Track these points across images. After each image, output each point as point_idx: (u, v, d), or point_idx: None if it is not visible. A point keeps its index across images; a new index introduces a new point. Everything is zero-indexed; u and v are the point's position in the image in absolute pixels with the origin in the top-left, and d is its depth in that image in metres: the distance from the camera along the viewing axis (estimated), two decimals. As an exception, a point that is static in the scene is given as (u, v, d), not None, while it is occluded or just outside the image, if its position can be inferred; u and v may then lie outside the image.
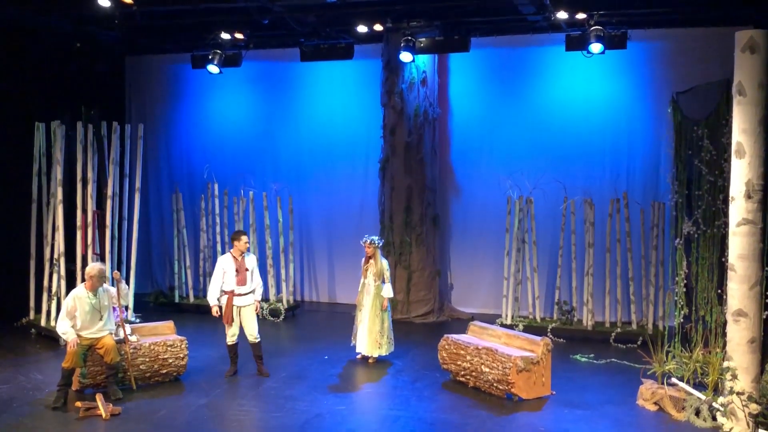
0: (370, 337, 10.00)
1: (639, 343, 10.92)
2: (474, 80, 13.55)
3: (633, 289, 11.79)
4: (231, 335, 9.39)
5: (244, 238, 9.38)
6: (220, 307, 9.38)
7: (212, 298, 9.37)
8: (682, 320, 9.09)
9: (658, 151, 12.24)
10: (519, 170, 12.37)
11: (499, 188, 12.57)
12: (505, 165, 12.86)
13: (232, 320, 9.31)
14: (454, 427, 7.72)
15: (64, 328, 8.29)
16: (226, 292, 9.34)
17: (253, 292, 9.43)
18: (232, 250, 9.42)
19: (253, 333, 9.40)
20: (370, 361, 10.07)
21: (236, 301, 9.31)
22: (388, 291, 10.08)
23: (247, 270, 9.33)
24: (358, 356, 10.21)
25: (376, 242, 10.07)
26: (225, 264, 9.37)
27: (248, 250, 9.50)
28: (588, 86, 12.80)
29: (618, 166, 12.70)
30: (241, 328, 9.43)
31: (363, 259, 10.23)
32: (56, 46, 13.17)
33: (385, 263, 10.13)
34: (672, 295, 9.52)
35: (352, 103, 14.10)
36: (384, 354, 10.08)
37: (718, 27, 11.54)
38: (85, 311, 8.37)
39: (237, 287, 9.30)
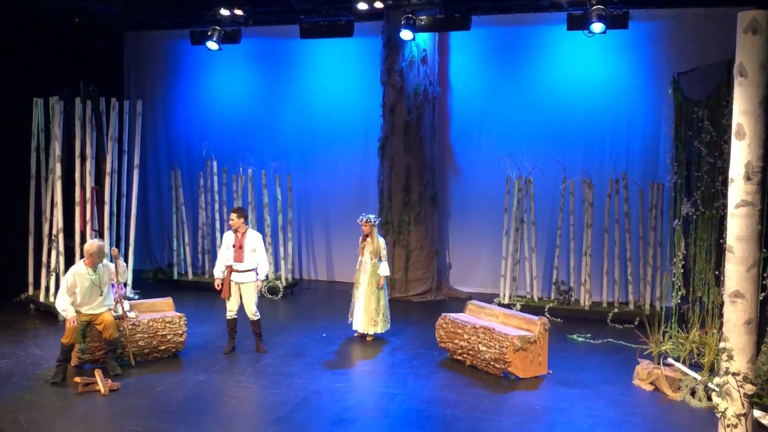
0: (366, 314, 10.05)
1: (636, 323, 10.97)
2: (474, 59, 13.48)
3: (631, 269, 11.82)
4: (229, 310, 9.51)
5: (231, 215, 9.48)
6: (222, 282, 9.47)
7: (216, 271, 9.57)
8: (679, 301, 9.12)
9: (657, 131, 12.20)
10: (518, 150, 12.35)
11: (499, 168, 12.56)
12: (505, 145, 12.83)
13: (229, 295, 9.41)
14: (451, 404, 7.77)
15: (63, 305, 8.32)
16: (227, 267, 9.44)
17: (254, 270, 9.45)
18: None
19: (251, 310, 9.46)
20: (368, 338, 10.13)
21: (234, 277, 9.40)
22: (384, 269, 10.13)
23: (243, 248, 9.34)
24: (356, 334, 10.26)
25: (373, 220, 10.07)
26: (227, 239, 9.55)
27: (248, 227, 9.53)
28: (589, 66, 12.73)
29: (618, 147, 12.67)
30: (242, 306, 9.49)
31: (360, 238, 10.25)
32: (55, 22, 13.07)
33: (381, 241, 10.15)
34: (669, 275, 9.55)
35: (352, 81, 14.03)
36: (380, 332, 10.13)
37: (721, 7, 11.46)
38: (85, 287, 8.39)
39: (234, 263, 9.38)
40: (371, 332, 10.10)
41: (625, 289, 11.93)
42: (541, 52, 13.06)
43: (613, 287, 11.93)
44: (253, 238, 9.47)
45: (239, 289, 9.46)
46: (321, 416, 7.52)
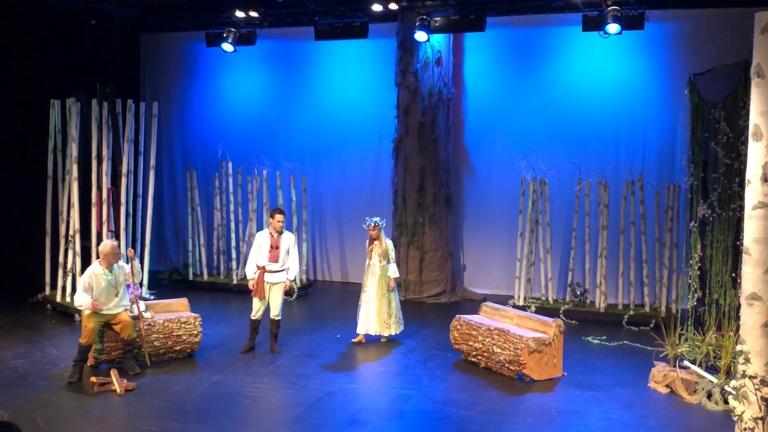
0: (379, 317, 10.00)
1: (652, 325, 10.91)
2: (489, 60, 13.46)
3: (647, 271, 11.75)
4: (256, 310, 9.56)
5: (277, 216, 9.50)
6: (256, 282, 9.52)
7: (249, 271, 9.58)
8: (695, 303, 9.06)
9: (674, 133, 12.14)
10: (533, 151, 12.32)
11: (514, 169, 12.53)
12: (520, 146, 12.80)
13: (263, 295, 9.47)
14: (465, 406, 7.75)
15: (82, 300, 8.37)
16: (259, 267, 9.48)
17: (285, 270, 9.51)
18: (269, 227, 9.56)
19: (275, 310, 9.53)
20: (382, 340, 10.11)
21: (267, 277, 9.45)
22: (394, 271, 10.10)
23: (279, 248, 9.42)
24: (354, 339, 10.09)
25: (379, 223, 10.03)
26: (261, 239, 9.56)
27: (283, 229, 9.58)
28: (604, 67, 12.69)
29: (633, 148, 12.62)
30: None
31: (367, 241, 10.24)
32: (71, 24, 13.18)
33: (389, 243, 10.15)
34: (686, 278, 9.48)
35: (366, 83, 14.05)
36: (394, 333, 10.11)
37: (738, 8, 11.38)
38: (102, 288, 8.44)
39: (268, 264, 9.43)
40: (386, 334, 10.08)
41: (640, 291, 11.87)
42: (556, 53, 13.02)
43: (628, 289, 11.86)
44: (289, 239, 9.56)
45: (270, 289, 9.50)
46: (335, 417, 7.52)
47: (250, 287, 9.57)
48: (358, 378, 8.73)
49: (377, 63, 13.82)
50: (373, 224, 10.02)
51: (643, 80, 12.52)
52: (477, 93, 13.55)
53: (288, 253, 9.51)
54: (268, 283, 9.49)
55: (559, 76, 13.00)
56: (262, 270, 9.45)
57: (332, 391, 8.18)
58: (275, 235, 9.47)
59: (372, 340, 10.21)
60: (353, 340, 10.13)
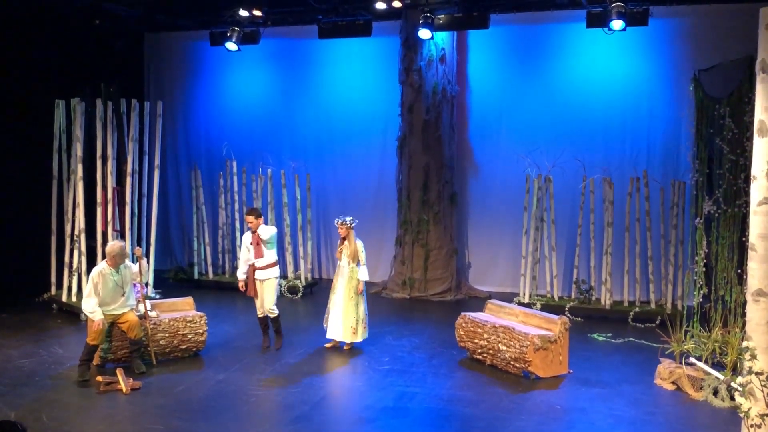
0: (345, 323, 9.58)
1: (657, 322, 10.88)
2: (493, 57, 13.44)
3: (652, 268, 11.73)
4: (258, 308, 9.66)
5: (247, 218, 9.51)
6: (246, 283, 9.59)
7: (239, 273, 9.70)
8: (701, 300, 9.05)
9: (678, 129, 12.11)
10: (538, 148, 12.30)
11: (518, 166, 12.52)
12: (524, 143, 12.78)
13: (255, 293, 9.54)
14: (471, 404, 7.76)
15: (92, 307, 8.35)
16: (249, 267, 9.55)
17: (274, 266, 9.53)
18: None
19: (268, 306, 9.52)
20: (345, 347, 9.73)
21: (257, 274, 9.50)
22: (363, 274, 9.68)
23: (260, 243, 9.43)
24: (328, 344, 9.80)
25: (348, 222, 9.63)
26: (245, 239, 9.63)
27: (263, 225, 9.62)
28: (609, 64, 12.66)
29: (638, 145, 12.59)
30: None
31: (338, 241, 9.91)
32: (75, 24, 13.20)
33: (360, 244, 9.71)
34: (691, 274, 9.47)
35: (370, 81, 14.04)
36: (359, 341, 9.70)
37: (742, 3, 11.34)
38: (109, 288, 8.46)
39: (255, 260, 9.48)
40: (350, 341, 9.67)
41: (646, 287, 11.84)
42: (560, 50, 13.00)
43: (634, 286, 11.85)
44: (265, 232, 9.50)
45: (260, 286, 9.53)
46: (341, 415, 7.54)
47: (240, 288, 9.67)
48: (364, 375, 8.74)
49: (381, 61, 13.82)
50: (341, 221, 9.64)
51: (648, 76, 12.48)
52: (481, 90, 13.53)
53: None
54: (258, 280, 9.51)
55: (564, 72, 12.97)
56: (252, 268, 9.49)
57: (338, 389, 8.19)
58: (255, 232, 9.48)
59: (373, 341, 10.20)
60: (326, 345, 9.79)
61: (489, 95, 13.47)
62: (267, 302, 9.51)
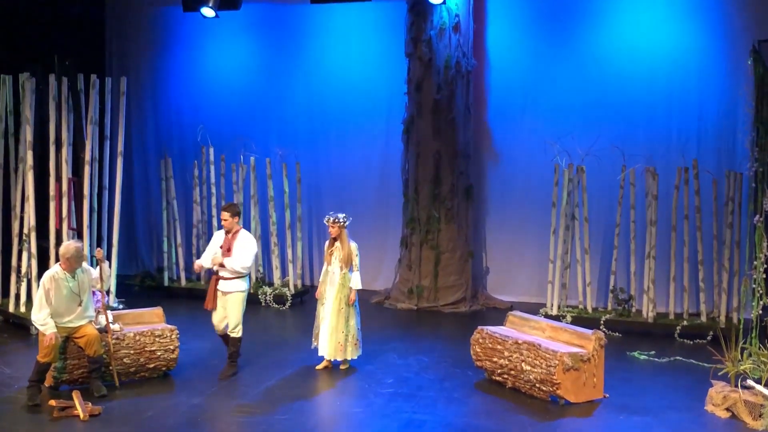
0: (332, 338, 9.54)
1: (709, 338, 10.89)
2: (516, 26, 13.46)
3: (703, 274, 11.73)
4: (216, 323, 9.42)
5: (222, 214, 9.35)
6: (210, 275, 9.31)
7: (204, 259, 9.43)
8: (760, 312, 9.04)
9: (734, 111, 12.12)
10: (569, 133, 12.30)
11: (545, 154, 12.52)
12: (553, 127, 12.80)
13: (214, 306, 9.32)
14: (489, 434, 7.76)
15: (42, 319, 8.32)
16: (213, 276, 9.37)
17: (242, 279, 9.28)
18: None
19: (232, 324, 9.30)
20: (342, 366, 9.71)
21: (220, 285, 9.28)
22: (356, 281, 9.63)
23: (231, 250, 9.19)
24: (319, 366, 9.73)
25: (342, 221, 9.59)
26: (216, 239, 9.49)
27: (241, 227, 9.43)
28: (652, 33, 12.66)
29: (687, 129, 12.60)
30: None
31: (327, 242, 9.87)
32: (24, -14, 13.22)
33: (353, 246, 9.66)
34: (749, 282, 9.46)
35: (371, 54, 14.06)
36: (350, 359, 9.68)
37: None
38: (63, 296, 8.44)
39: (221, 269, 9.25)
40: (340, 358, 9.63)
41: (695, 297, 11.85)
42: (595, 17, 13.03)
43: (681, 296, 11.85)
44: (241, 240, 9.25)
45: (224, 300, 9.29)
46: (336, 447, 7.55)
47: (195, 269, 9.54)
48: (364, 401, 8.74)
49: (384, 30, 13.84)
50: (333, 219, 9.58)
51: (699, 49, 12.48)
52: (502, 65, 13.54)
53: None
54: (221, 292, 9.30)
55: (599, 44, 12.98)
56: (216, 278, 9.30)
57: (333, 416, 8.18)
58: (229, 236, 9.26)
59: (374, 359, 10.21)
60: (317, 367, 9.73)
61: (511, 70, 13.48)
62: (231, 320, 9.30)
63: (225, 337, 9.52)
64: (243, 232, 9.41)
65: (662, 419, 8.17)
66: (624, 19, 12.80)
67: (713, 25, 12.42)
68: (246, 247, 9.24)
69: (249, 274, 9.53)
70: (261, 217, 13.76)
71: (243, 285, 9.35)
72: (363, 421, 8.15)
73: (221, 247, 9.29)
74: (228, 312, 9.33)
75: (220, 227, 9.55)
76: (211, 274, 9.51)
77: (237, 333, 9.37)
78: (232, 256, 9.17)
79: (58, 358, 8.58)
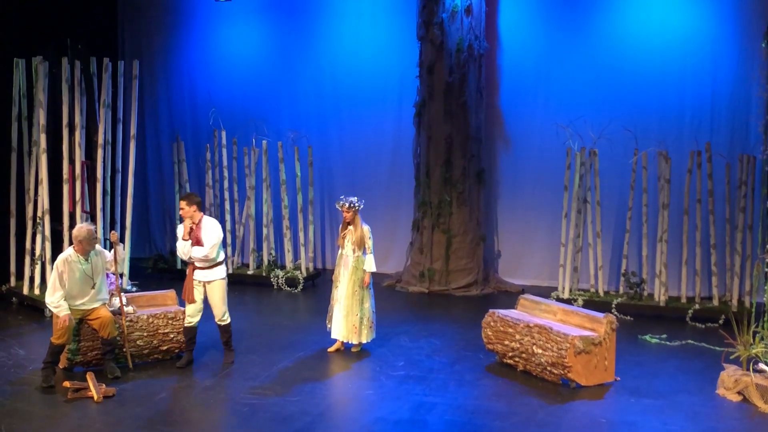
0: (347, 320, 9.58)
1: (721, 322, 10.86)
2: (528, 9, 13.39)
3: (715, 258, 11.68)
4: (189, 316, 9.14)
5: (181, 203, 9.07)
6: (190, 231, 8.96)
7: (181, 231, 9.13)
8: (773, 296, 9.02)
9: (748, 93, 12.00)
10: (581, 117, 12.23)
11: (557, 138, 12.47)
12: (565, 110, 12.73)
13: (192, 298, 9.08)
14: (500, 416, 7.76)
15: (56, 301, 8.35)
16: (189, 265, 9.17)
17: (220, 265, 9.13)
18: None
19: (219, 313, 9.19)
20: (354, 349, 9.74)
21: (197, 275, 9.08)
22: (370, 264, 9.64)
23: (200, 241, 8.94)
24: (331, 348, 9.75)
25: (356, 204, 9.59)
26: (179, 233, 9.18)
27: (203, 215, 9.11)
28: (665, 16, 12.56)
29: (700, 112, 12.51)
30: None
31: (341, 226, 9.87)
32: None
33: (366, 229, 9.67)
34: (762, 265, 9.43)
35: (383, 36, 14.01)
36: (365, 341, 9.70)
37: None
38: (76, 278, 8.47)
39: (194, 253, 9.01)
40: (355, 341, 9.67)
41: (708, 281, 11.81)
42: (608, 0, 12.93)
43: (693, 279, 11.81)
44: (208, 229, 8.99)
45: (204, 290, 9.14)
46: (347, 428, 7.55)
47: (184, 229, 9.00)
48: (375, 382, 8.76)
49: (396, 13, 13.80)
50: (348, 204, 9.57)
51: (712, 32, 12.37)
52: (514, 48, 13.48)
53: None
54: (199, 281, 9.09)
55: (612, 27, 12.90)
56: (192, 268, 9.10)
57: (344, 399, 8.20)
58: (192, 226, 8.96)
59: (385, 342, 10.22)
60: (329, 349, 9.76)
61: (524, 53, 13.42)
62: (218, 309, 9.17)
63: (192, 330, 9.18)
64: (205, 219, 9.11)
65: (673, 402, 8.16)
66: (637, 2, 12.71)
67: (726, 8, 12.31)
68: (211, 234, 8.97)
69: (225, 260, 9.36)
70: (273, 200, 13.77)
71: (222, 272, 9.17)
72: (374, 403, 8.17)
73: (191, 239, 8.96)
74: (212, 302, 9.15)
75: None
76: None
77: (226, 320, 9.27)
78: (203, 247, 8.95)
79: (72, 340, 8.63)
